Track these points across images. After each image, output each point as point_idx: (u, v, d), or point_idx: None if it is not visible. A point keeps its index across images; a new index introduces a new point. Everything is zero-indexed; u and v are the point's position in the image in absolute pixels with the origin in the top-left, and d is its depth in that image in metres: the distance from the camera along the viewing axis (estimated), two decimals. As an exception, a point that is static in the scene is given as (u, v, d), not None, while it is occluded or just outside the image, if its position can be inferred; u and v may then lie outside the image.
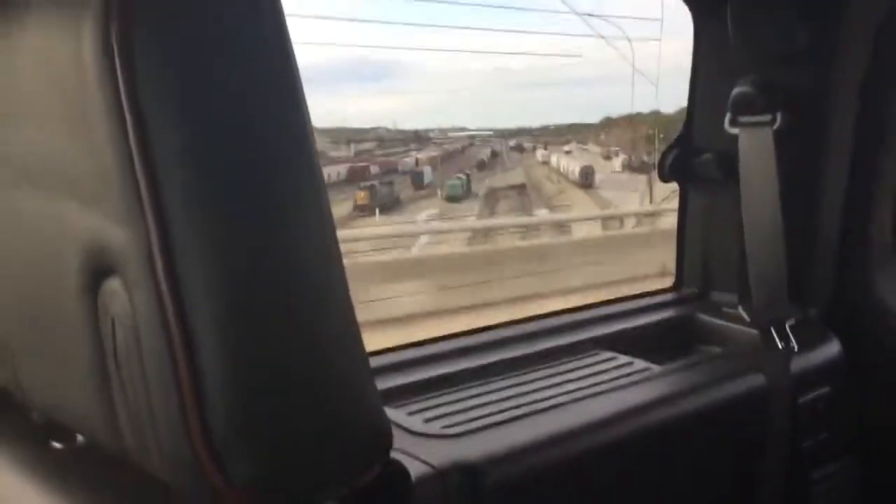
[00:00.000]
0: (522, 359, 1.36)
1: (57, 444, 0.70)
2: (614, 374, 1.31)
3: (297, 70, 0.54)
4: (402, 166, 17.69)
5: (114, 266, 0.52)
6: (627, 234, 9.97)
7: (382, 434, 0.56)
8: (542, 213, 15.75)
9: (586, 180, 17.62)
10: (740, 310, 1.52)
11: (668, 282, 1.75)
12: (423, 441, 1.05)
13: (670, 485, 1.23)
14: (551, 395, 1.22)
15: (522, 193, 18.38)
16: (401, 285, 7.14)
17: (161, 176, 0.49)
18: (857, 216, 1.52)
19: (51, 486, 0.67)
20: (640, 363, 1.36)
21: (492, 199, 17.52)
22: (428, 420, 1.13)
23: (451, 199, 16.73)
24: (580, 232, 10.95)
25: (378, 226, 13.99)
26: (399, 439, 1.04)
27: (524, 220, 13.88)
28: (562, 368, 1.34)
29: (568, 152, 19.74)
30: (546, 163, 19.94)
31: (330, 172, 14.63)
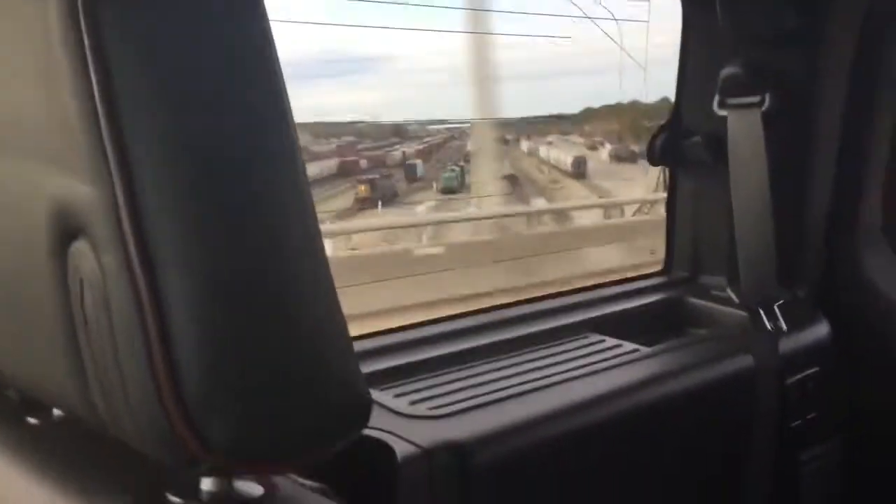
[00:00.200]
0: (511, 342, 1.35)
1: (33, 420, 0.70)
2: (603, 356, 1.31)
3: (273, 39, 0.53)
4: (390, 160, 17.83)
5: (81, 227, 0.51)
6: (651, 220, 10.06)
7: (361, 401, 0.55)
8: (540, 203, 15.78)
9: (579, 170, 17.65)
10: (729, 292, 1.52)
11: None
12: (409, 422, 1.05)
13: (659, 465, 1.23)
14: (540, 376, 1.21)
15: (515, 184, 18.44)
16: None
17: (126, 132, 0.48)
18: (845, 197, 1.52)
19: (28, 462, 0.66)
20: (629, 345, 1.36)
21: (488, 191, 17.55)
22: (415, 402, 1.12)
23: (447, 190, 16.80)
24: (596, 218, 11.08)
25: (391, 216, 14.27)
26: (386, 421, 1.04)
27: (556, 206, 13.87)
28: (551, 351, 1.33)
29: (550, 143, 19.82)
30: (532, 154, 19.99)
31: (322, 167, 14.66)
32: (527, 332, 1.39)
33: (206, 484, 0.56)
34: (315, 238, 0.53)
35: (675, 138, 1.61)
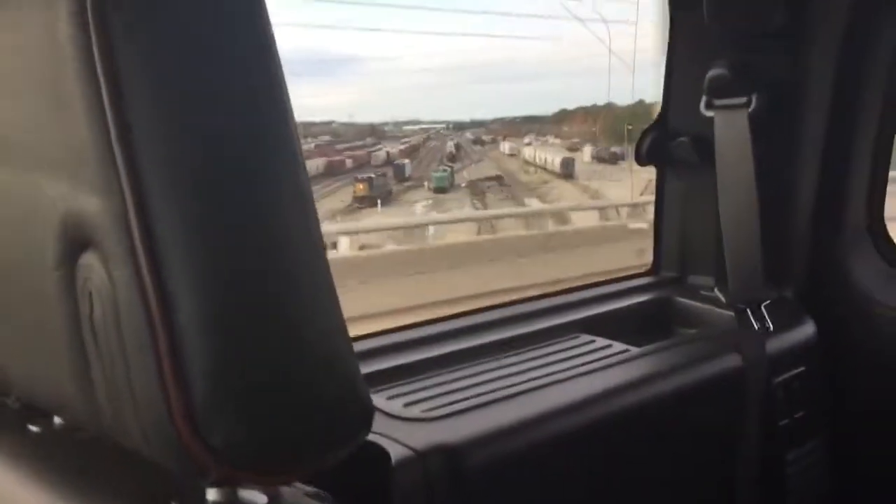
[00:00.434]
0: (502, 343, 1.36)
1: (34, 428, 0.70)
2: (593, 356, 1.32)
3: (276, 43, 0.53)
4: (374, 160, 18.07)
5: (90, 239, 0.51)
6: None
7: (364, 408, 0.56)
8: (533, 203, 15.89)
9: (567, 171, 17.74)
10: (717, 292, 1.53)
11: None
12: (403, 424, 1.05)
13: (649, 465, 1.24)
14: (531, 377, 1.22)
15: (503, 184, 18.54)
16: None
17: (136, 145, 0.48)
18: (831, 198, 1.54)
19: (30, 470, 0.66)
20: (618, 346, 1.37)
21: (478, 190, 17.72)
22: (408, 404, 1.13)
23: (439, 190, 16.98)
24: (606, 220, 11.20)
25: (392, 215, 14.55)
26: (379, 423, 1.04)
27: (571, 204, 13.95)
28: (541, 352, 1.34)
29: (528, 144, 19.97)
30: (514, 155, 20.15)
31: (309, 167, 14.77)
32: (518, 333, 1.39)
33: (212, 494, 0.57)
34: (318, 244, 0.54)
35: (663, 139, 1.62)
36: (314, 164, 15.28)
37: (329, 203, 14.73)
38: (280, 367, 0.52)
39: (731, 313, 1.46)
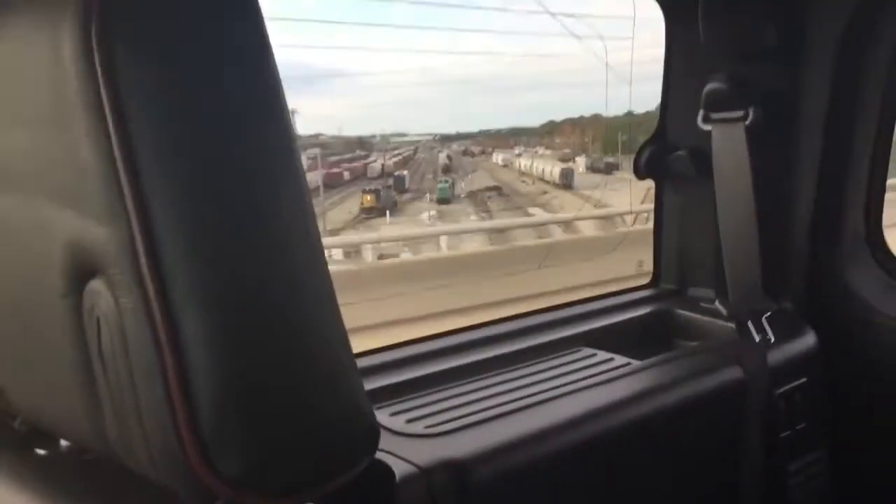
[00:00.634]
0: (504, 357, 1.37)
1: (41, 451, 0.70)
2: (596, 370, 1.33)
3: (277, 71, 0.54)
4: (370, 171, 18.30)
5: (97, 266, 0.52)
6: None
7: (370, 429, 0.57)
8: (537, 212, 15.97)
9: (566, 181, 17.81)
10: (717, 304, 1.54)
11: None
12: (406, 441, 1.05)
13: (653, 478, 1.24)
14: (534, 392, 1.22)
15: (502, 194, 18.61)
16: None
17: (143, 173, 0.49)
18: (829, 209, 1.54)
19: (37, 492, 0.66)
20: (620, 359, 1.37)
21: (479, 201, 17.83)
22: (411, 420, 1.13)
23: (442, 201, 17.17)
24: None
25: (404, 224, 14.67)
26: (383, 440, 1.04)
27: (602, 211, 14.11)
28: (544, 366, 1.35)
29: (518, 155, 20.08)
30: (507, 166, 20.27)
31: (308, 179, 14.90)
32: (520, 348, 1.40)
33: None
34: (323, 265, 0.55)
35: (661, 152, 1.63)
36: (313, 178, 15.46)
37: (338, 215, 14.87)
38: (286, 390, 0.53)
39: (732, 325, 1.47)
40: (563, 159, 18.93)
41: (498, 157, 20.53)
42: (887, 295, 1.54)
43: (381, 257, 9.68)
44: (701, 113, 1.51)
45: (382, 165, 18.42)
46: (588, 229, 11.03)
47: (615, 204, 13.94)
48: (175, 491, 0.55)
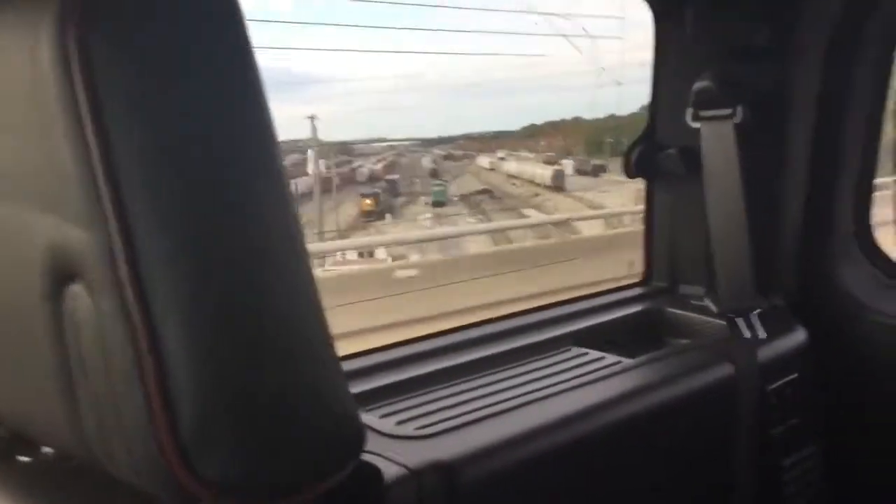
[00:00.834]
0: (494, 358, 1.36)
1: (23, 458, 0.69)
2: (586, 369, 1.32)
3: (259, 73, 0.54)
4: (358, 176, 18.48)
5: (76, 270, 0.51)
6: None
7: (355, 432, 0.56)
8: (532, 214, 16.09)
9: (557, 183, 17.88)
10: (708, 301, 1.53)
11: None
12: (396, 443, 1.05)
13: (645, 476, 1.24)
14: (524, 392, 1.22)
15: (493, 197, 18.68)
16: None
17: (121, 176, 0.48)
18: (819, 206, 1.55)
19: (18, 500, 0.65)
20: (611, 357, 1.37)
21: (473, 204, 17.91)
22: (401, 422, 1.12)
23: (437, 203, 17.31)
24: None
25: (403, 227, 15.00)
26: (372, 442, 1.04)
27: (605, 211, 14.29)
28: (534, 366, 1.34)
29: (502, 158, 20.19)
30: (493, 169, 20.36)
31: (298, 183, 14.95)
32: (510, 348, 1.39)
33: None
34: (306, 271, 0.54)
35: (651, 151, 1.63)
36: (306, 182, 15.50)
37: (340, 218, 14.95)
38: (268, 394, 0.52)
39: (723, 322, 1.47)
40: (547, 162, 19.00)
41: (483, 161, 20.62)
42: (877, 291, 1.54)
43: (394, 259, 10.20)
44: (690, 111, 1.51)
45: (371, 170, 18.55)
46: (594, 229, 11.21)
47: (609, 205, 14.01)
48: (158, 497, 0.54)
